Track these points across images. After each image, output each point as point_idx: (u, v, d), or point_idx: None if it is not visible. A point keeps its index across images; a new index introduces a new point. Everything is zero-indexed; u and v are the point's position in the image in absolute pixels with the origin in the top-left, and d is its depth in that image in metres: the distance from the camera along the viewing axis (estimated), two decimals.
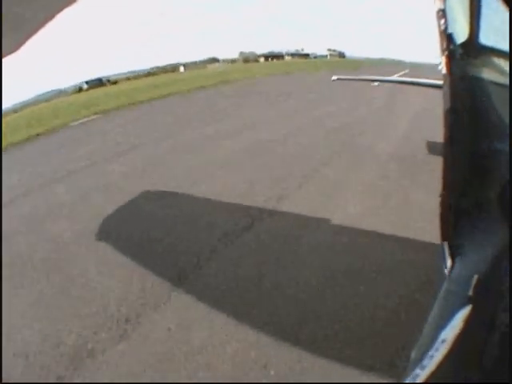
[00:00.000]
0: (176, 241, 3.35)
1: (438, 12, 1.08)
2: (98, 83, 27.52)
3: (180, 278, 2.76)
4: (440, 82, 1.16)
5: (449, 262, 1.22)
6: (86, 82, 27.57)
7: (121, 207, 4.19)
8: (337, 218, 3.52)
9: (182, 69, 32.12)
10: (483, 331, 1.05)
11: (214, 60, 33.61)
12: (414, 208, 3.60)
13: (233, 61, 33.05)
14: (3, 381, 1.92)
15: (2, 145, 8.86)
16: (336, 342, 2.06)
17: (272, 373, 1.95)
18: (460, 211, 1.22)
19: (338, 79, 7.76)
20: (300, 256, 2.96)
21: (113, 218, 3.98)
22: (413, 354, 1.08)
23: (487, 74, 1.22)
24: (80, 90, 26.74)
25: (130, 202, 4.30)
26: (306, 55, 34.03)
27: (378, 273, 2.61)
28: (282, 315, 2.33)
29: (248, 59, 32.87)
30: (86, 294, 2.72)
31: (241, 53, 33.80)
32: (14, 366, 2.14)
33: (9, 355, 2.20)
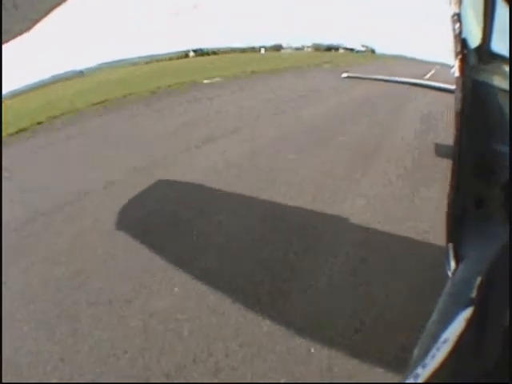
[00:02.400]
0: None
1: (453, 16, 1.10)
2: (202, 52, 32.71)
3: None
4: (451, 87, 1.17)
5: (453, 263, 1.23)
6: (194, 51, 32.35)
7: None
8: None
9: (262, 51, 35.89)
10: (485, 332, 1.06)
11: (280, 47, 38.03)
12: None
13: (297, 48, 39.05)
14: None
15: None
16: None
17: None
18: (465, 213, 1.23)
19: (348, 77, 7.89)
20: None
21: None
22: (415, 353, 1.09)
23: (496, 81, 1.23)
24: (186, 55, 31.47)
25: None
26: (352, 49, 40.96)
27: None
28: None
29: (319, 49, 39.34)
30: None
31: (313, 43, 40.51)
32: None
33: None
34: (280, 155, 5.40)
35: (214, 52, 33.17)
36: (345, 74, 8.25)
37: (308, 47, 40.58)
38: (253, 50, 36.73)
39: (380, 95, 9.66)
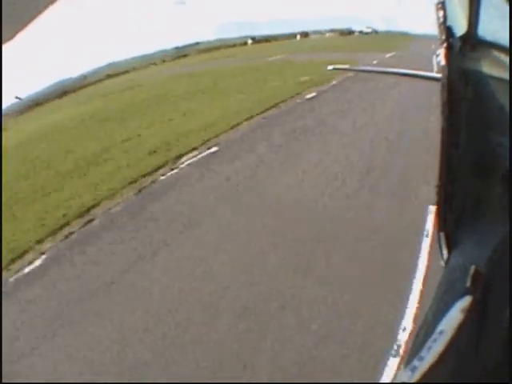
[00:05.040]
0: None
1: (437, 4, 1.09)
2: (257, 40, 37.00)
3: None
4: (437, 75, 1.17)
5: (445, 253, 1.21)
6: (252, 38, 36.44)
7: None
8: None
9: (298, 37, 39.65)
10: (484, 330, 1.04)
11: (306, 33, 41.73)
12: None
13: (322, 33, 42.70)
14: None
15: None
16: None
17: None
18: (457, 203, 1.22)
19: (333, 69, 8.10)
20: None
21: None
22: (411, 345, 1.07)
23: (485, 68, 1.23)
24: (245, 43, 35.58)
25: None
26: (361, 32, 44.26)
27: None
28: None
29: (343, 33, 42.78)
30: None
31: (334, 29, 44.26)
32: None
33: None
34: None
35: (267, 40, 37.38)
36: (330, 67, 8.50)
37: (328, 32, 43.01)
38: (289, 36, 39.28)
39: None
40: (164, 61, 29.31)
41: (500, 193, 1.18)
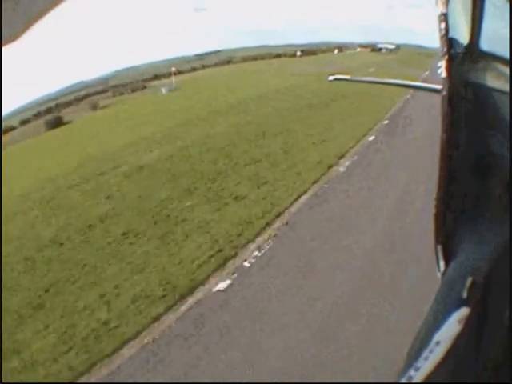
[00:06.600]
0: None
1: (439, 16, 1.09)
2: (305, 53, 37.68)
3: None
4: (439, 87, 1.17)
5: (442, 265, 1.22)
6: (301, 51, 37.37)
7: None
8: None
9: (336, 51, 40.46)
10: (483, 333, 1.05)
11: (341, 48, 42.22)
12: None
13: (353, 48, 43.14)
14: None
15: None
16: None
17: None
18: (456, 214, 1.22)
19: (335, 79, 7.99)
20: None
21: None
22: (406, 355, 1.08)
23: (487, 80, 1.22)
24: (294, 55, 36.78)
25: None
26: (386, 48, 44.52)
27: None
28: None
29: (374, 50, 43.24)
30: None
31: (362, 44, 44.34)
32: None
33: None
34: None
35: (314, 52, 38.79)
36: (331, 77, 8.36)
37: (358, 47, 43.15)
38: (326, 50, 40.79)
39: None
40: (204, 66, 29.07)
41: (500, 193, 1.18)
